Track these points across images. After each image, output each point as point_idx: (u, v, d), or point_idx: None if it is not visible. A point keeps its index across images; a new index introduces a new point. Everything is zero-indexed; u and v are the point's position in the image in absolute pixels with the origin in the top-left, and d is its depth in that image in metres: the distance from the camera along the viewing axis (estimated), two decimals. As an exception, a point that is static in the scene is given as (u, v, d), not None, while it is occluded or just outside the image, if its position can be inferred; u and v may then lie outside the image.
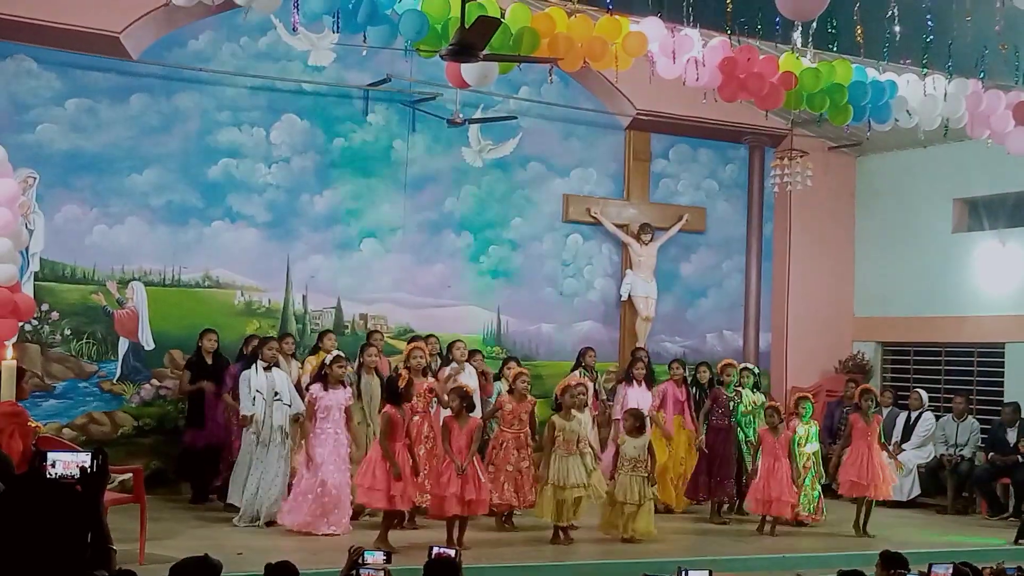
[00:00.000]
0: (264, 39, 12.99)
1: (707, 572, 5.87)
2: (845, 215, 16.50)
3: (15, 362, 7.96)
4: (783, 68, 10.48)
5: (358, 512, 10.54)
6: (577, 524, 10.67)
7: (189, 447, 11.88)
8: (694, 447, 12.49)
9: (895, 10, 10.01)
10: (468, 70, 8.73)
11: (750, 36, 10.50)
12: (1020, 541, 11.43)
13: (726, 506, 12.45)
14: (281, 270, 13.28)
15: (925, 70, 10.73)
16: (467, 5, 8.46)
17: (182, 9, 9.97)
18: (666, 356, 14.58)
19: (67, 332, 12.23)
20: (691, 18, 10.24)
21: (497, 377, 12.02)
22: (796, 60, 10.55)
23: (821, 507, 12.02)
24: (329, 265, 13.52)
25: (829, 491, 12.42)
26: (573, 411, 10.72)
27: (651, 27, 10.12)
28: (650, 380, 13.05)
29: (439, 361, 12.20)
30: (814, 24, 9.89)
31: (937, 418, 14.50)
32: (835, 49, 10.54)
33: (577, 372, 12.86)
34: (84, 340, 12.30)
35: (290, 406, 10.78)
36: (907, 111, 10.86)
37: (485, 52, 8.20)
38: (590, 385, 12.19)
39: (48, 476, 4.09)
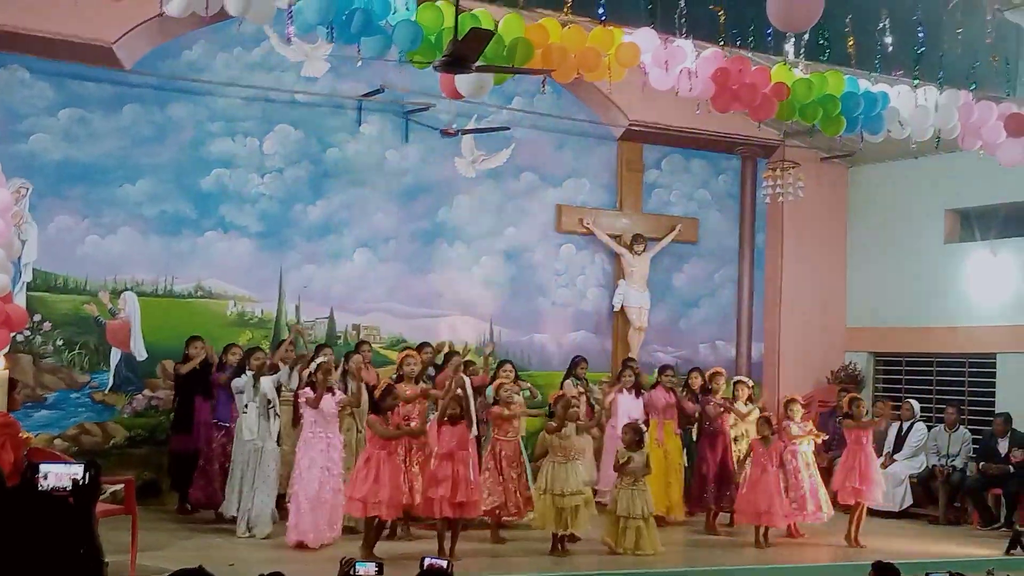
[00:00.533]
0: (257, 50, 12.98)
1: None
2: (837, 225, 16.53)
3: (7, 373, 7.96)
4: (775, 79, 10.51)
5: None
6: (579, 535, 10.67)
7: (176, 453, 11.82)
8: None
9: (887, 22, 10.06)
10: (462, 81, 8.75)
11: (742, 47, 10.53)
12: (1012, 552, 11.43)
13: (724, 513, 12.45)
14: (274, 280, 13.27)
15: (917, 81, 10.77)
16: (460, 16, 8.48)
17: (175, 20, 9.95)
18: (658, 366, 14.57)
19: (59, 343, 12.20)
20: (684, 29, 10.27)
21: (493, 379, 11.98)
22: (788, 71, 10.58)
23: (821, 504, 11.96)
24: (322, 275, 13.51)
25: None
26: (567, 421, 10.70)
27: (644, 38, 10.14)
28: (639, 390, 13.08)
29: (433, 370, 12.18)
30: (806, 35, 9.94)
31: (929, 428, 14.52)
32: (827, 60, 10.58)
33: (569, 382, 12.86)
34: (76, 351, 12.28)
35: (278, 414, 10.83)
36: (899, 122, 10.88)
37: (478, 63, 8.21)
38: (583, 399, 12.17)
39: (40, 488, 4.08)
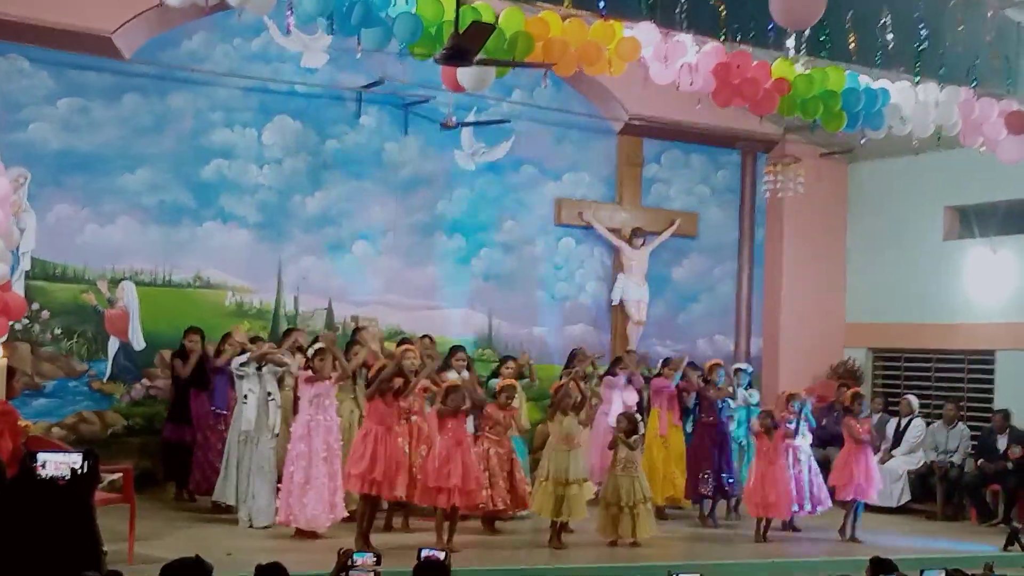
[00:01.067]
0: (257, 40, 12.95)
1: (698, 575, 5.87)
2: (837, 221, 16.52)
3: (5, 361, 7.96)
4: (776, 74, 10.50)
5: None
6: (573, 528, 10.68)
7: (171, 443, 11.82)
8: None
9: (888, 18, 10.05)
10: (464, 74, 8.74)
11: (743, 42, 10.52)
12: (1009, 548, 11.44)
13: (723, 506, 12.47)
14: (272, 271, 13.25)
15: (918, 78, 10.76)
16: (461, 9, 8.46)
17: (175, 10, 9.95)
18: (656, 360, 14.55)
19: (58, 331, 12.19)
20: (685, 23, 10.25)
21: (495, 375, 11.95)
22: (789, 66, 10.57)
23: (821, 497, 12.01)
24: (321, 266, 13.50)
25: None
26: (569, 411, 10.70)
27: (645, 32, 10.13)
28: (636, 380, 13.11)
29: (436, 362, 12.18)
30: (807, 31, 9.93)
31: (927, 424, 14.53)
32: (827, 56, 10.58)
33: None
34: (75, 339, 12.27)
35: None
36: (900, 118, 10.88)
37: (479, 56, 8.20)
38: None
39: (39, 477, 4.08)
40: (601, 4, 10.13)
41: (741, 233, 16.01)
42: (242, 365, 10.82)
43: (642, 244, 14.93)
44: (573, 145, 15.02)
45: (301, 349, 11.38)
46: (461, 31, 8.20)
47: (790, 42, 10.22)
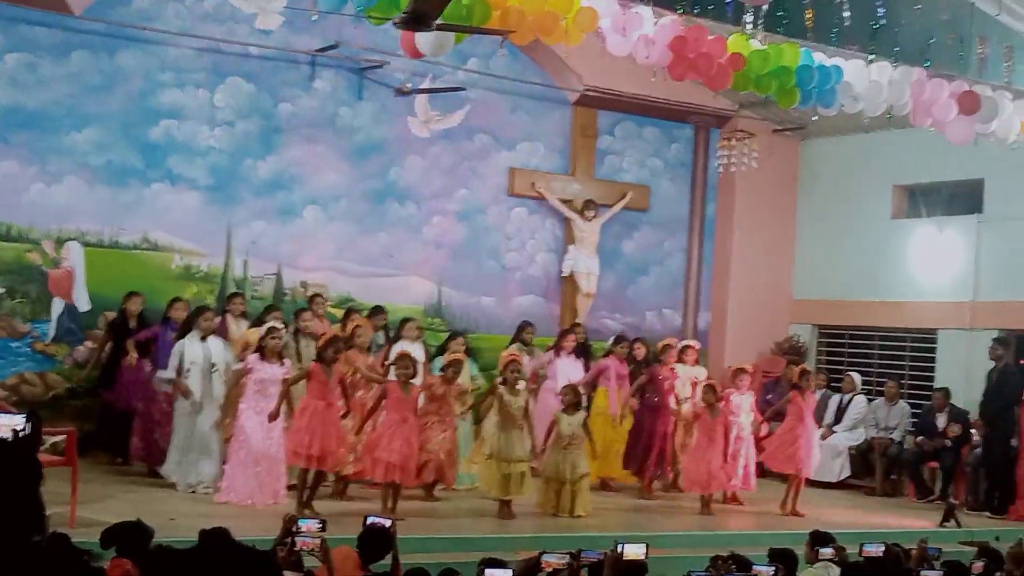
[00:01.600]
0: (209, 0, 12.79)
1: (644, 546, 5.90)
2: (787, 198, 16.62)
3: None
4: (731, 49, 10.50)
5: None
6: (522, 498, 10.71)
7: (108, 409, 11.68)
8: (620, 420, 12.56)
9: (845, -5, 10.10)
10: (423, 40, 8.66)
11: (701, 16, 10.51)
12: (945, 524, 11.64)
13: (658, 482, 12.55)
14: (221, 235, 13.13)
15: (872, 56, 10.82)
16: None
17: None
18: (605, 333, 14.65)
19: (0, 291, 12.01)
20: (643, -5, 10.21)
21: (441, 351, 11.90)
22: (745, 41, 10.57)
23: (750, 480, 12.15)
24: (271, 231, 13.39)
25: (761, 469, 12.58)
26: (517, 386, 10.70)
27: (603, 3, 10.07)
28: (585, 354, 13.13)
29: (386, 336, 12.12)
30: (765, 6, 9.94)
31: (869, 401, 14.71)
32: (784, 32, 10.60)
33: (514, 347, 12.85)
34: (18, 299, 12.10)
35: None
36: (853, 96, 10.94)
37: (438, 22, 8.14)
38: (526, 360, 12.18)
39: (-20, 437, 4.01)
40: (559, -26, 10.03)
41: (692, 207, 16.07)
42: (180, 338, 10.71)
43: (594, 216, 14.94)
44: (528, 115, 14.98)
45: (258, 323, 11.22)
46: (419, -4, 8.13)
47: (748, 16, 10.21)
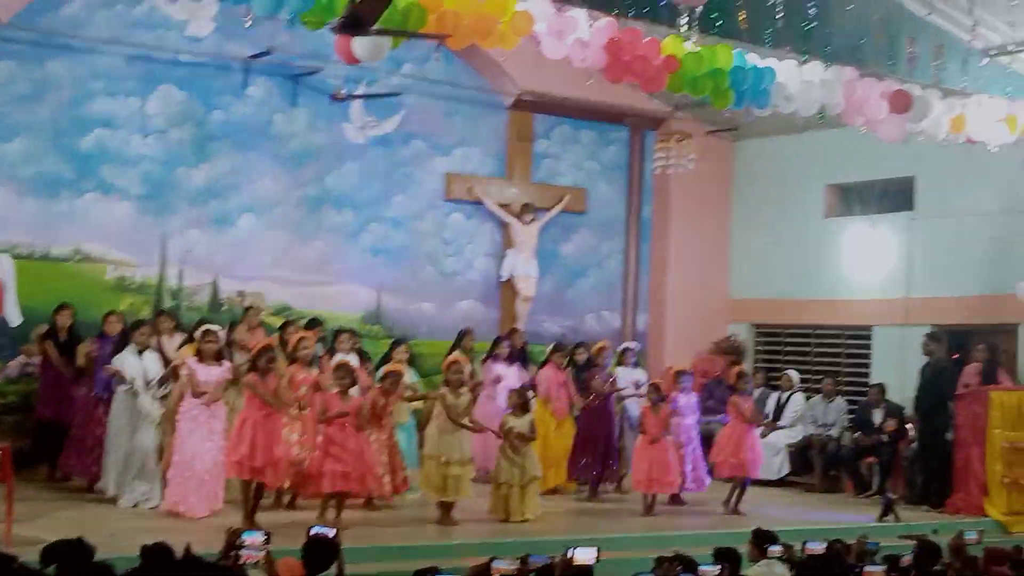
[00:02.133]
0: (140, 7, 12.64)
1: (595, 550, 5.90)
2: (722, 198, 16.77)
3: None
4: (666, 51, 10.53)
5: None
6: (461, 505, 10.66)
7: (45, 423, 11.46)
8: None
9: (778, -4, 10.20)
10: (360, 44, 8.59)
11: (636, 18, 10.55)
12: (884, 519, 11.77)
13: (610, 484, 12.57)
14: (155, 245, 12.97)
15: (805, 56, 10.93)
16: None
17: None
18: (545, 336, 14.68)
19: (-72, 306, 11.74)
20: (578, -2, 10.22)
21: (386, 360, 11.81)
22: (680, 44, 10.63)
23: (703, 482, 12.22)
24: (206, 240, 13.25)
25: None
26: (460, 389, 10.66)
27: (538, 6, 10.05)
28: (523, 359, 13.12)
29: (321, 348, 12.01)
30: (699, 8, 10.00)
31: (807, 399, 14.86)
32: (718, 34, 10.67)
33: (456, 354, 12.79)
34: (-54, 314, 11.84)
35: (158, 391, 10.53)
36: (786, 97, 11.03)
37: (375, 27, 8.09)
38: (467, 365, 12.13)
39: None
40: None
41: (629, 209, 16.15)
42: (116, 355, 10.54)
43: (532, 220, 14.96)
44: (463, 119, 14.97)
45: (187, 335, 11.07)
46: (358, 0, 8.07)
47: (682, 19, 10.27)
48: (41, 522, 9.14)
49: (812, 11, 10.30)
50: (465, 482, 10.49)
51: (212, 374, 10.07)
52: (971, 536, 8.50)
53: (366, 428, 10.17)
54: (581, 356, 13.03)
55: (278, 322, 12.61)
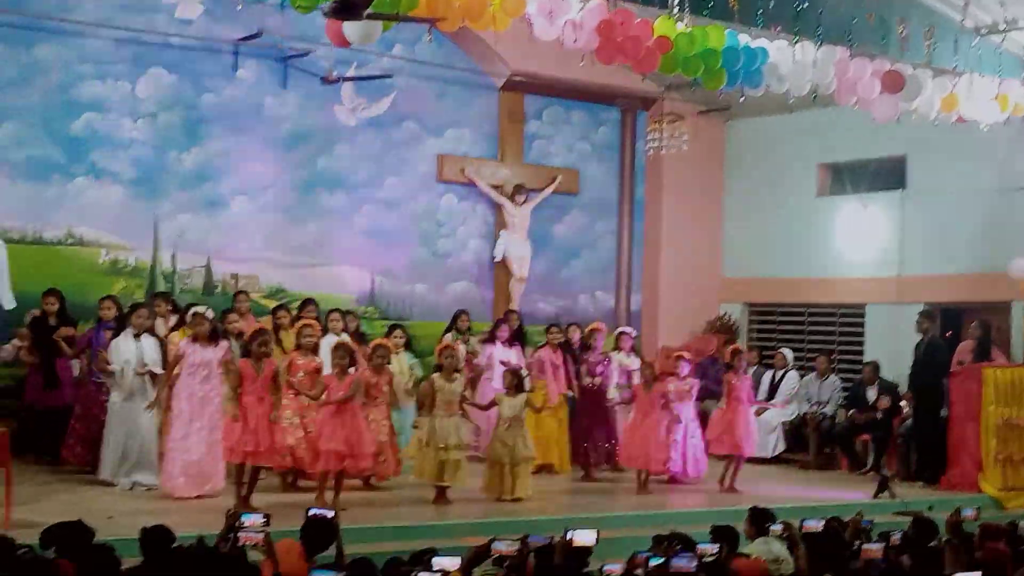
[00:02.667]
0: (130, -11, 12.60)
1: (595, 532, 5.91)
2: (714, 178, 16.78)
3: None
4: (658, 32, 10.52)
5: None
6: (456, 486, 10.68)
7: (39, 409, 11.44)
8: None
9: (769, -24, 10.18)
10: (351, 28, 8.56)
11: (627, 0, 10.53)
12: (879, 496, 11.82)
13: (604, 465, 12.60)
14: (148, 228, 12.95)
15: (796, 37, 10.92)
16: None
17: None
18: (539, 316, 14.71)
19: (-79, 291, 11.72)
20: (570, -21, 10.17)
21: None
22: (672, 24, 10.61)
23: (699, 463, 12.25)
24: (198, 224, 13.24)
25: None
26: (454, 373, 10.67)
27: (530, -12, 10.04)
28: (520, 340, 13.13)
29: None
30: (691, -12, 10.01)
31: (801, 376, 14.90)
32: (709, 15, 10.66)
33: (450, 335, 12.82)
34: (-61, 299, 11.81)
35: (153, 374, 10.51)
36: (778, 77, 11.03)
37: (368, 11, 8.07)
38: (461, 348, 12.12)
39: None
40: (486, -42, 9.98)
41: (621, 190, 16.16)
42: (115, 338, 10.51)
43: (524, 201, 14.97)
44: (455, 101, 14.95)
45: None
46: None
47: (674, 0, 10.26)
48: (40, 505, 9.14)
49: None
50: (462, 466, 10.51)
51: (206, 355, 10.05)
52: (968, 513, 8.53)
53: (361, 403, 10.17)
54: (575, 336, 13.00)
55: (271, 304, 12.60)
